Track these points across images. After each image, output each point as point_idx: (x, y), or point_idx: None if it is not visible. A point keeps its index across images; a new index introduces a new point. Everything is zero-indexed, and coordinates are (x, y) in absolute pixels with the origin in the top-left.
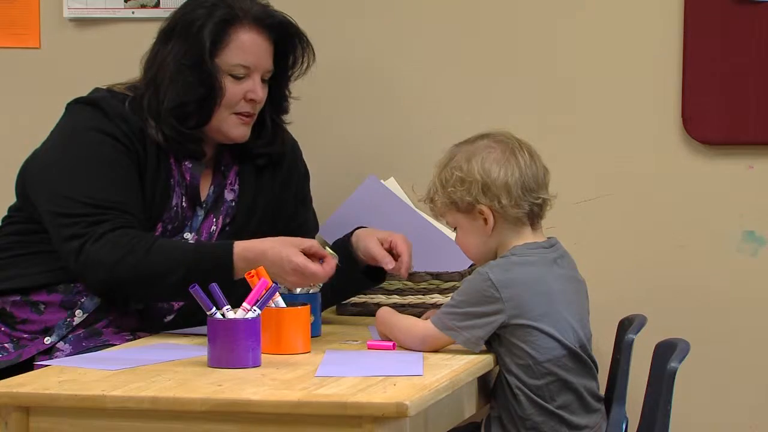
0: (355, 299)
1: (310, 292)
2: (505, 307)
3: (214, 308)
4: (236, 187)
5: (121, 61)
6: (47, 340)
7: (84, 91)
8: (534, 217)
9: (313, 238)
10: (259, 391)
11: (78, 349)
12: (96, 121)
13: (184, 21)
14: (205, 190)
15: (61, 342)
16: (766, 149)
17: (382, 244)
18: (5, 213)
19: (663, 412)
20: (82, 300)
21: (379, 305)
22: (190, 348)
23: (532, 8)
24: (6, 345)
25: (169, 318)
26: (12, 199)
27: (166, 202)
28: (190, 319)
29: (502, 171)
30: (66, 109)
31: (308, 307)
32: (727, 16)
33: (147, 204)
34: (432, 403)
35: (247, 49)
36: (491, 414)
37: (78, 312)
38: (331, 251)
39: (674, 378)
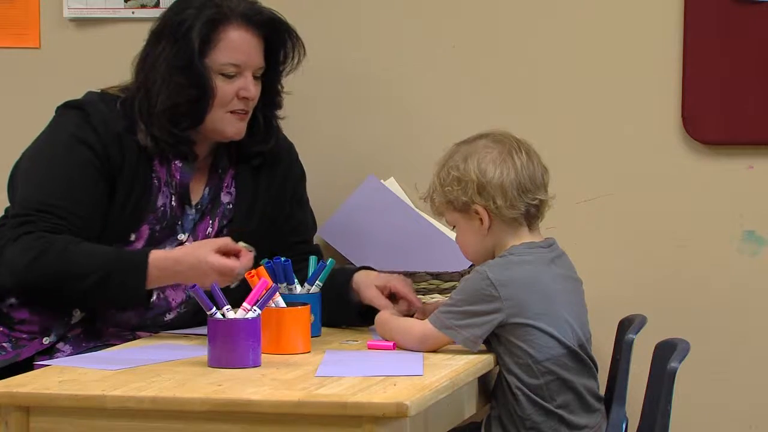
0: None
1: (310, 292)
2: (504, 306)
3: (214, 308)
4: (233, 189)
5: (121, 61)
6: (46, 340)
7: (84, 91)
8: (531, 217)
9: (312, 238)
10: (260, 391)
11: (78, 350)
12: (75, 127)
13: (173, 22)
14: (200, 190)
15: (61, 342)
16: (766, 149)
17: (382, 292)
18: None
19: (663, 412)
20: None
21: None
22: (190, 348)
23: (532, 8)
24: (4, 344)
25: (170, 317)
26: None
27: (148, 203)
28: (190, 319)
29: (497, 171)
30: (55, 112)
31: (308, 307)
32: (727, 16)
33: (124, 208)
34: (432, 403)
35: (236, 48)
36: (491, 414)
37: (76, 312)
38: (245, 245)
39: (674, 378)
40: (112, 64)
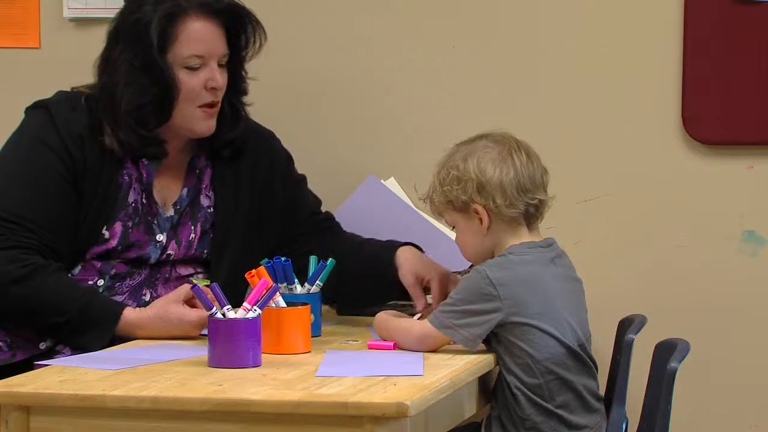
0: None
1: (310, 292)
2: (503, 305)
3: (215, 308)
4: (211, 192)
5: None
6: (42, 345)
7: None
8: (530, 217)
9: (319, 209)
10: (260, 391)
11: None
12: (38, 128)
13: (130, 21)
14: (176, 189)
15: (60, 345)
16: (766, 149)
17: (420, 280)
18: None
19: (663, 412)
20: None
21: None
22: (191, 348)
23: (532, 8)
24: (1, 344)
25: None
26: None
27: (117, 200)
28: None
29: (497, 171)
30: (24, 113)
31: (309, 306)
32: (727, 16)
33: (91, 205)
34: (432, 403)
35: (197, 39)
36: (491, 414)
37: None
38: (199, 279)
39: (674, 378)
40: None
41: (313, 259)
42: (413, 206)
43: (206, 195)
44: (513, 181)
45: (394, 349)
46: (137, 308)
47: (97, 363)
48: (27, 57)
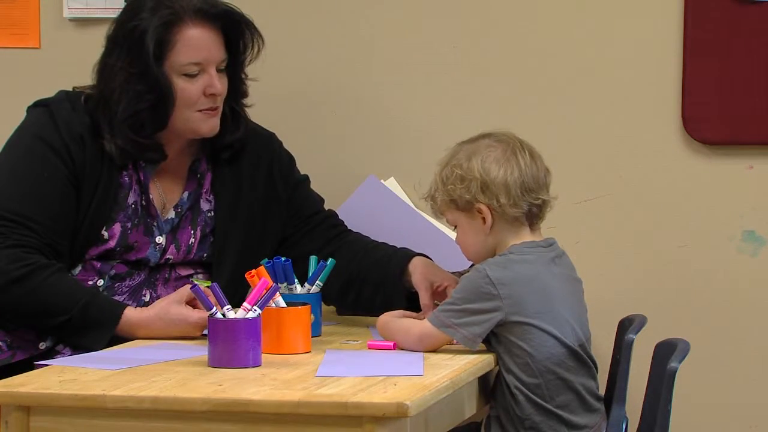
0: None
1: (310, 292)
2: (503, 305)
3: (215, 308)
4: (211, 197)
5: None
6: (42, 345)
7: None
8: (533, 217)
9: (322, 208)
10: (260, 391)
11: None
12: (39, 127)
13: (127, 29)
14: (177, 192)
15: (60, 345)
16: (766, 149)
17: (433, 286)
18: None
19: (663, 412)
20: None
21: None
22: (191, 348)
23: (532, 8)
24: (0, 344)
25: None
26: None
27: (116, 200)
28: None
29: (501, 170)
30: (26, 112)
31: (309, 306)
32: (727, 16)
33: (90, 206)
34: (432, 403)
35: (195, 46)
36: (491, 414)
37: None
38: (200, 279)
39: (674, 378)
40: None
41: (313, 259)
42: (413, 206)
43: (206, 199)
44: (517, 180)
45: (394, 349)
46: (138, 308)
47: (97, 363)
48: (27, 57)
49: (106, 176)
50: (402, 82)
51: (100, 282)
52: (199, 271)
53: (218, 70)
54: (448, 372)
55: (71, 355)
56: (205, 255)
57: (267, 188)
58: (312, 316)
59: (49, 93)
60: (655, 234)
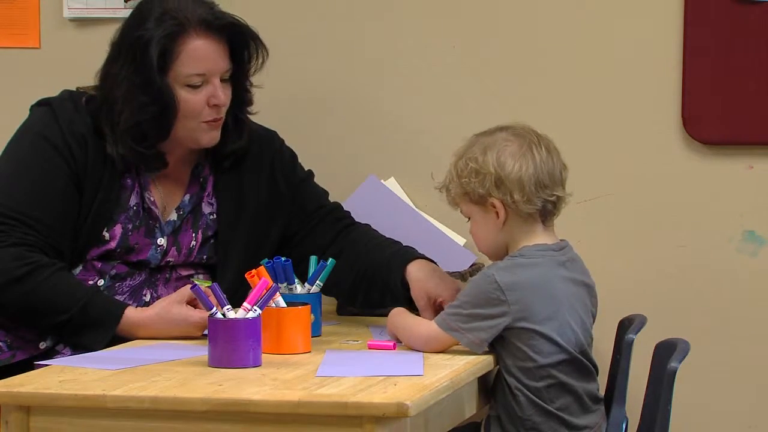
0: None
1: (310, 292)
2: (510, 310)
3: (215, 308)
4: (213, 200)
5: None
6: (42, 345)
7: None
8: (546, 214)
9: (327, 201)
10: (260, 391)
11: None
12: (42, 125)
13: (131, 38)
14: (179, 194)
15: (60, 345)
16: (766, 149)
17: (432, 300)
18: None
19: (663, 412)
20: None
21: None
22: (191, 348)
23: (532, 8)
24: (0, 344)
25: None
26: None
27: (118, 202)
28: None
29: (516, 165)
30: (29, 111)
31: (309, 306)
32: (727, 16)
33: (91, 206)
34: (432, 403)
35: (199, 57)
36: (491, 414)
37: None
38: (201, 280)
39: (674, 378)
40: None
41: (313, 259)
42: (413, 206)
43: (208, 202)
44: (532, 176)
45: (394, 349)
46: (139, 308)
47: (97, 363)
48: (27, 57)
49: (108, 177)
50: (402, 82)
51: (101, 282)
52: (200, 271)
53: (222, 80)
54: (448, 372)
55: (71, 354)
56: (205, 258)
57: (269, 188)
58: (312, 316)
59: (50, 93)
60: (655, 234)
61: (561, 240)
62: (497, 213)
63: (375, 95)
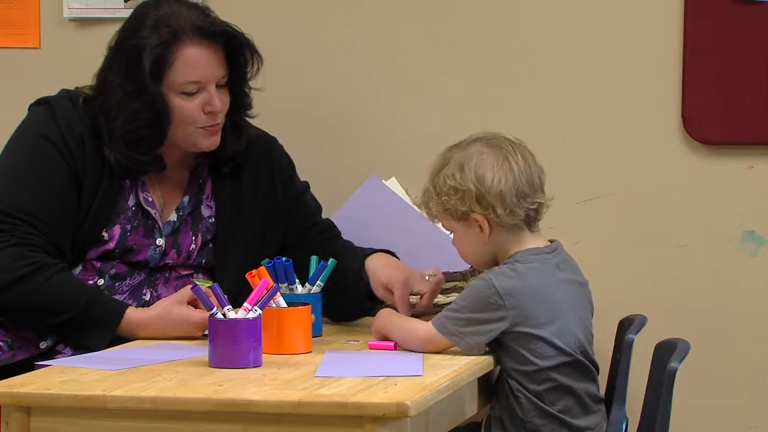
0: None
1: (311, 292)
2: (509, 315)
3: (215, 308)
4: (212, 203)
5: None
6: (42, 345)
7: None
8: (530, 220)
9: (320, 218)
10: (260, 391)
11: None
12: (41, 124)
13: (125, 46)
14: (178, 195)
15: (60, 345)
16: (766, 149)
17: (389, 290)
18: None
19: (663, 412)
20: None
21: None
22: (191, 348)
23: (532, 8)
24: (0, 344)
25: None
26: None
27: (117, 202)
28: None
29: (495, 179)
30: (27, 110)
31: (309, 307)
32: (727, 16)
33: (90, 207)
34: (433, 403)
35: (193, 65)
36: (492, 414)
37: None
38: (202, 280)
39: (674, 378)
40: None
41: (313, 259)
42: (414, 206)
43: (207, 205)
44: (512, 188)
45: (395, 349)
46: (140, 308)
47: (98, 363)
48: (27, 57)
49: (107, 177)
50: (402, 82)
51: (101, 282)
52: (199, 271)
53: (219, 86)
54: (448, 372)
55: (72, 354)
56: (204, 261)
57: (268, 194)
58: (313, 317)
59: (49, 93)
60: (655, 234)
61: (551, 241)
62: (480, 227)
63: (376, 95)
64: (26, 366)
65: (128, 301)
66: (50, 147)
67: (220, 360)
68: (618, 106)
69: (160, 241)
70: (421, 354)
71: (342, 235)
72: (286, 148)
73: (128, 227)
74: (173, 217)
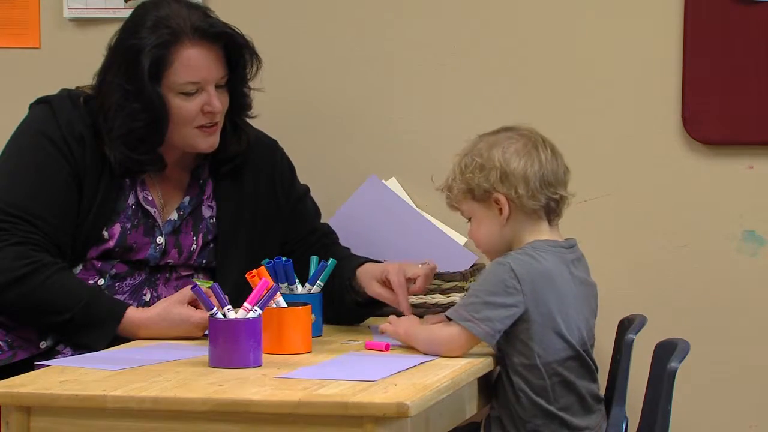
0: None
1: (311, 292)
2: (525, 300)
3: (216, 308)
4: (213, 203)
5: None
6: (42, 344)
7: None
8: (551, 212)
9: (318, 223)
10: (260, 391)
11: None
12: (40, 122)
13: (124, 46)
14: (179, 194)
15: (60, 345)
16: (766, 149)
17: (384, 284)
18: None
19: (663, 412)
20: None
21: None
22: (191, 348)
23: (532, 8)
24: (0, 343)
25: None
26: None
27: (117, 201)
28: None
29: (522, 161)
30: (28, 109)
31: (309, 306)
32: (727, 16)
33: (91, 206)
34: (433, 403)
35: (192, 66)
36: (491, 414)
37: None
38: (202, 280)
39: (674, 378)
40: None
41: (314, 258)
42: (414, 206)
43: (208, 206)
44: (537, 173)
45: (386, 350)
46: (140, 308)
47: (98, 363)
48: (27, 57)
49: (107, 176)
50: (402, 83)
51: (101, 281)
52: (200, 271)
53: (218, 86)
54: (448, 372)
55: (72, 354)
56: (204, 261)
57: (268, 197)
58: (313, 317)
59: (50, 93)
60: (655, 234)
61: (569, 238)
62: (501, 209)
63: (376, 95)
64: (26, 366)
65: (128, 301)
66: (51, 146)
67: (220, 360)
68: (618, 106)
69: (160, 240)
70: (406, 362)
71: (342, 237)
72: (286, 149)
73: (128, 226)
74: (174, 216)
